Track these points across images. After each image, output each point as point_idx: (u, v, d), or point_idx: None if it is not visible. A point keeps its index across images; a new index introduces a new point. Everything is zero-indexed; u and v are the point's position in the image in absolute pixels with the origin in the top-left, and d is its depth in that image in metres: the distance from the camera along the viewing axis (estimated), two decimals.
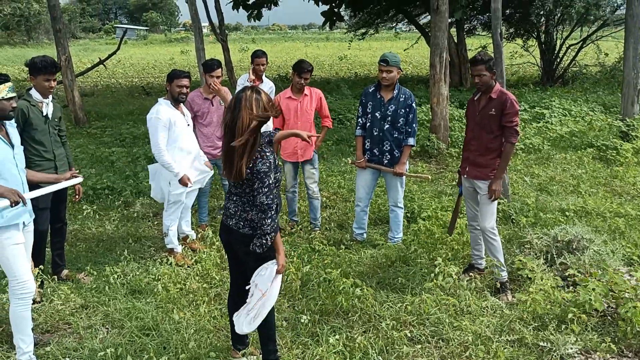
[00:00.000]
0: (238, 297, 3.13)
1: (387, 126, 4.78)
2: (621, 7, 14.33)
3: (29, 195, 3.16)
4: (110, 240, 5.36)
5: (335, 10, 15.42)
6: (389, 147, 4.82)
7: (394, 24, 19.06)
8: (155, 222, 5.85)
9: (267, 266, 2.94)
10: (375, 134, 4.83)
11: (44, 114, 4.07)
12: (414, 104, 4.79)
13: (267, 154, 2.82)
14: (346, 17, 22.93)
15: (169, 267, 4.51)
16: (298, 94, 5.16)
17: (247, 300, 2.96)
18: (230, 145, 2.74)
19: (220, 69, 5.02)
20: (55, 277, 4.39)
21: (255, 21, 15.55)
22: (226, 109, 2.95)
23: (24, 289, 3.29)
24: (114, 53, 14.92)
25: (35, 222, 3.78)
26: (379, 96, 4.80)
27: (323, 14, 15.39)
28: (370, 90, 4.87)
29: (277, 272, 2.93)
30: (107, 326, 3.78)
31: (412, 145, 4.87)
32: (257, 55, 5.64)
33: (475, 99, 4.21)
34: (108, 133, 10.21)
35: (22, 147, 3.47)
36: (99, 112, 12.67)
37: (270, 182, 2.82)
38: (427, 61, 17.52)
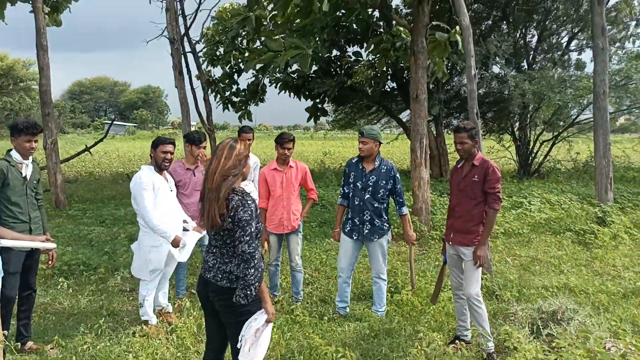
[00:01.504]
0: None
1: (367, 196, 4.85)
2: (588, 109, 15.28)
3: (5, 243, 3.07)
4: (83, 314, 5.12)
5: (319, 105, 16.10)
6: (369, 217, 4.86)
7: (376, 121, 19.87)
8: (131, 298, 5.64)
9: (256, 317, 2.86)
10: (356, 203, 4.89)
11: (23, 175, 4.07)
12: (397, 175, 4.92)
13: (249, 202, 2.84)
14: (330, 115, 23.96)
15: (142, 338, 4.29)
16: (283, 166, 5.25)
17: (239, 358, 2.82)
18: (203, 192, 2.80)
19: (205, 141, 5.16)
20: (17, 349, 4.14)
21: (244, 120, 16.04)
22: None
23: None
24: (101, 140, 15.21)
25: (2, 286, 3.64)
26: (361, 167, 4.92)
27: (307, 109, 16.04)
28: (354, 161, 5.00)
29: (267, 321, 2.85)
30: None
31: (407, 214, 4.97)
32: (245, 130, 5.82)
33: (458, 166, 4.34)
34: (89, 215, 10.11)
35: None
36: (81, 196, 12.63)
37: (252, 230, 2.81)
38: (407, 157, 18.12)
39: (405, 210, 4.96)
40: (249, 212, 2.80)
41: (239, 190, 2.88)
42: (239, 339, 2.84)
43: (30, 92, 41.63)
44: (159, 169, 4.67)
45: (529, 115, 15.37)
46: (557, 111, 14.82)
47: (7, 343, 3.79)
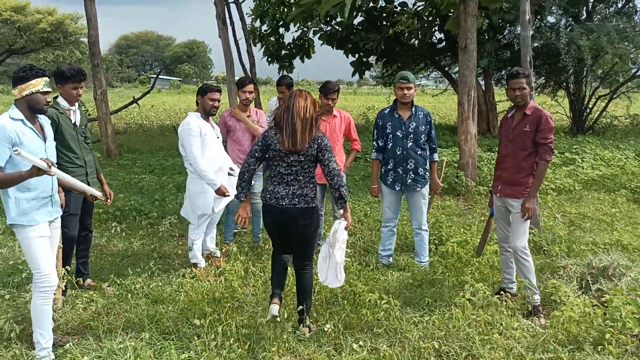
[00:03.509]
0: (280, 255, 3.84)
1: (410, 144, 4.80)
2: None
3: (58, 172, 3.15)
4: (136, 256, 5.36)
5: (364, 60, 15.76)
6: (413, 166, 4.81)
7: (425, 74, 19.37)
8: (180, 243, 5.84)
9: (336, 226, 3.61)
10: (398, 152, 4.83)
11: (73, 121, 4.17)
12: (432, 120, 4.92)
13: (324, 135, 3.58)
14: (375, 69, 23.48)
15: (191, 279, 4.46)
16: (327, 115, 5.20)
17: (326, 263, 3.63)
18: (293, 122, 3.43)
19: (252, 85, 5.22)
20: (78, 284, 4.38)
21: (285, 71, 15.91)
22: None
23: (46, 282, 3.28)
24: (148, 92, 15.48)
25: (64, 227, 3.83)
26: (397, 116, 4.83)
27: (352, 63, 15.71)
28: (387, 112, 4.91)
29: (346, 227, 3.62)
30: (127, 330, 3.72)
31: (437, 160, 5.02)
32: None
33: (509, 116, 4.18)
34: (138, 164, 10.44)
35: (55, 142, 3.54)
36: (130, 146, 13.00)
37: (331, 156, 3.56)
38: (453, 112, 17.68)
39: (437, 156, 5.01)
40: (327, 140, 3.55)
41: None
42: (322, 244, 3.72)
43: (80, 45, 42.47)
44: (207, 115, 4.73)
45: (585, 70, 14.59)
46: (615, 65, 13.99)
47: (69, 278, 4.03)
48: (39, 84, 3.21)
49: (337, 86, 5.21)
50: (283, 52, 15.51)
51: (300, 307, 3.67)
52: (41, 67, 3.49)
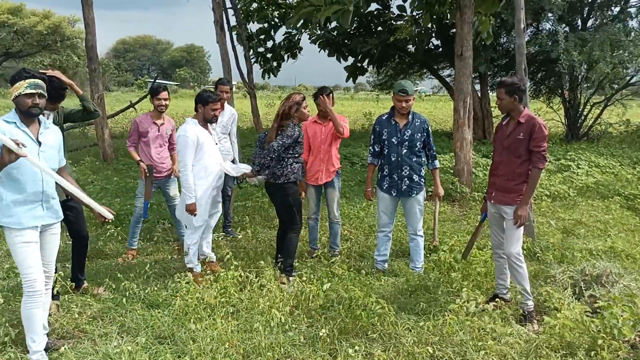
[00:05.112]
0: (282, 230, 4.91)
1: (404, 151, 4.83)
2: None
3: (40, 165, 3.13)
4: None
5: (358, 64, 15.79)
6: (407, 172, 4.85)
7: (418, 82, 19.42)
8: (176, 247, 5.85)
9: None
10: (393, 159, 4.87)
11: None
12: (429, 128, 4.93)
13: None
14: (369, 75, 23.52)
15: (187, 284, 4.46)
16: (323, 119, 5.26)
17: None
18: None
19: (166, 92, 5.38)
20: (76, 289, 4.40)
21: (269, 77, 15.61)
22: None
23: (30, 287, 3.29)
24: (145, 97, 15.43)
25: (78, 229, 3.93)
26: (393, 122, 4.87)
27: (346, 68, 15.75)
28: (384, 118, 4.96)
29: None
30: (122, 335, 3.73)
31: (438, 168, 5.02)
32: (222, 82, 5.97)
33: (503, 123, 4.22)
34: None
35: (58, 148, 3.52)
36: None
37: (287, 141, 4.57)
38: (449, 118, 17.75)
39: (437, 163, 5.02)
40: (290, 133, 4.55)
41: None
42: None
43: (77, 49, 42.46)
44: (207, 122, 4.78)
45: (580, 77, 14.66)
46: (610, 72, 14.06)
47: (62, 283, 4.02)
48: (21, 87, 3.19)
49: (329, 89, 5.26)
50: (269, 54, 15.30)
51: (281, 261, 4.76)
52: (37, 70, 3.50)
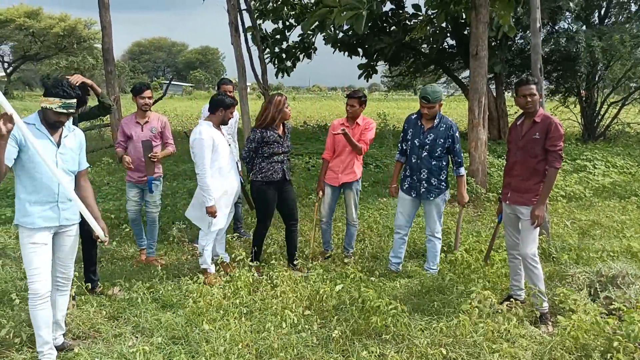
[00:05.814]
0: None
1: (424, 154, 4.79)
2: None
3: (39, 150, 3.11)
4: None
5: (372, 63, 15.75)
6: (425, 176, 4.81)
7: (434, 80, 19.30)
8: (190, 248, 5.90)
9: None
10: (413, 161, 4.85)
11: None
12: (456, 134, 4.80)
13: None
14: (384, 74, 23.43)
15: (200, 285, 4.50)
16: (351, 122, 5.26)
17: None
18: None
19: (149, 90, 5.26)
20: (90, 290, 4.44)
21: (282, 76, 15.64)
22: None
23: (33, 290, 3.30)
24: (160, 99, 15.53)
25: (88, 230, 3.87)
26: (419, 124, 4.84)
27: (360, 66, 15.71)
28: (413, 117, 4.93)
29: None
30: (136, 335, 3.77)
31: (463, 175, 4.90)
32: (224, 82, 6.04)
33: (518, 123, 4.18)
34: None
35: (79, 150, 3.51)
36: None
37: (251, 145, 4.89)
38: (465, 118, 17.62)
39: (463, 171, 4.89)
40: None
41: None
42: None
43: (93, 51, 43.01)
44: (220, 125, 4.83)
45: (597, 75, 14.47)
46: (628, 70, 13.86)
47: (79, 284, 4.08)
48: (54, 103, 3.18)
49: (360, 94, 5.23)
50: (284, 54, 15.30)
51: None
52: (61, 77, 3.50)
